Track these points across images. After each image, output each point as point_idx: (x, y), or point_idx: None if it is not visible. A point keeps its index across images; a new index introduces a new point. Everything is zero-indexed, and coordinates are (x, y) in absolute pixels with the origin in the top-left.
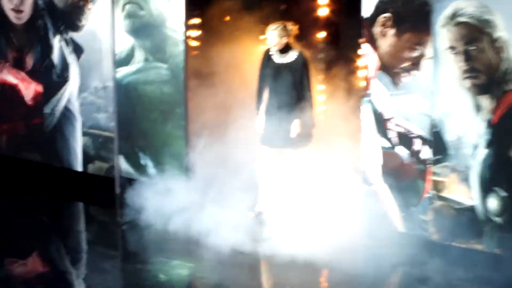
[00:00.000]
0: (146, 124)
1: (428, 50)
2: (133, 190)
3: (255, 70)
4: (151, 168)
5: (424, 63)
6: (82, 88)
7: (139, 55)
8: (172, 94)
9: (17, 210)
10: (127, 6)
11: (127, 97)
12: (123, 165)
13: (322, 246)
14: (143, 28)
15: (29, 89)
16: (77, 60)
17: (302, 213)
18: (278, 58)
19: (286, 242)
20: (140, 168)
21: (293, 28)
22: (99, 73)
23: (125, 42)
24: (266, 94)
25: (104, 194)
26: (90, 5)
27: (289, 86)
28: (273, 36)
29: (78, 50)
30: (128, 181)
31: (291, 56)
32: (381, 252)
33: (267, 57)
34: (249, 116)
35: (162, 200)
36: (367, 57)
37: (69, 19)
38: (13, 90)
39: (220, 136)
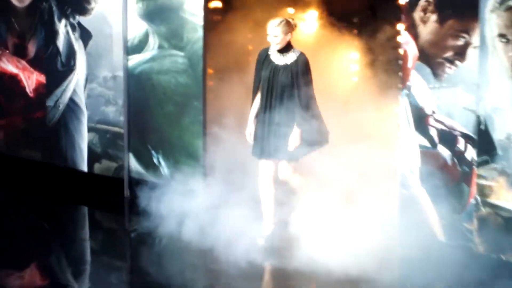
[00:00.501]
0: (160, 119)
1: (475, 38)
2: (144, 192)
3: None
4: (164, 168)
5: (469, 52)
6: (89, 78)
7: (153, 42)
8: (189, 85)
9: (15, 214)
10: None
11: (139, 88)
12: (134, 164)
13: (356, 257)
14: (158, 11)
15: (30, 80)
16: (84, 47)
17: (332, 222)
18: (277, 58)
19: (318, 253)
20: (153, 168)
21: (295, 23)
22: (108, 61)
23: (137, 27)
24: (261, 99)
25: (112, 197)
26: None
27: (288, 90)
28: (277, 32)
29: (85, 36)
30: (139, 183)
31: (291, 56)
32: (419, 264)
33: (264, 57)
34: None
35: (176, 204)
36: (405, 46)
37: (76, 1)
38: (12, 80)
39: (242, 132)
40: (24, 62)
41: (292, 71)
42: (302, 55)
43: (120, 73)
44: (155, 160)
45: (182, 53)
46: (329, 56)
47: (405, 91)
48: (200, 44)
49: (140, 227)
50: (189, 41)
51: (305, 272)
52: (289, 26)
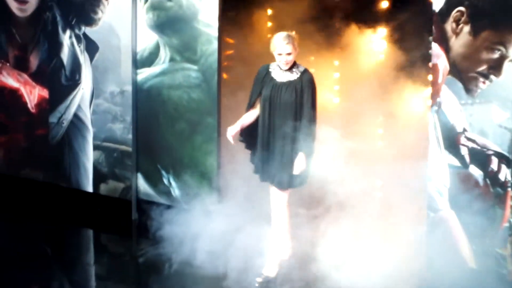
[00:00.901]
0: (171, 137)
1: (511, 51)
2: (154, 215)
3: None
4: (175, 190)
5: (505, 66)
6: (95, 93)
7: (165, 55)
8: (202, 100)
9: (15, 238)
10: None
11: (149, 104)
12: (142, 185)
13: (382, 283)
14: (170, 22)
15: (32, 95)
16: (90, 60)
17: (357, 246)
18: (279, 75)
19: (343, 279)
20: (163, 189)
21: (294, 36)
22: (116, 75)
23: (147, 39)
24: (261, 119)
25: (119, 220)
26: None
27: (291, 110)
28: (290, 50)
29: (92, 48)
30: (148, 205)
31: (295, 72)
32: None
33: (264, 74)
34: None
35: (188, 228)
36: (436, 59)
37: (82, 11)
38: (13, 95)
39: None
40: (25, 76)
41: (296, 89)
42: (306, 71)
43: (129, 88)
44: (165, 181)
45: (195, 67)
46: (355, 67)
47: (435, 107)
48: (214, 57)
49: (148, 252)
50: (203, 53)
51: None
52: (295, 40)
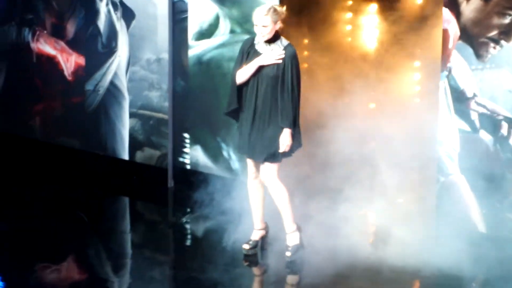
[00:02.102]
0: None
1: None
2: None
3: (358, 51)
4: (235, 162)
5: None
6: (131, 61)
7: (225, 26)
8: None
9: (51, 205)
10: None
11: (209, 76)
12: (201, 158)
13: (392, 249)
14: None
15: (69, 62)
16: (126, 28)
17: (367, 209)
18: (263, 49)
19: (352, 244)
20: (222, 162)
21: (283, 11)
22: (152, 43)
23: (207, 10)
24: (246, 93)
25: (154, 188)
26: None
27: (274, 84)
28: (266, 22)
29: (128, 15)
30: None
31: (279, 47)
32: (458, 256)
33: (248, 46)
34: (351, 103)
35: (231, 199)
36: (447, 25)
37: None
38: (50, 62)
39: (316, 127)
40: (62, 43)
41: (278, 64)
42: (289, 46)
43: (165, 56)
44: (225, 154)
45: None
46: (363, 35)
47: (446, 72)
48: None
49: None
50: None
51: (335, 263)
52: (278, 14)
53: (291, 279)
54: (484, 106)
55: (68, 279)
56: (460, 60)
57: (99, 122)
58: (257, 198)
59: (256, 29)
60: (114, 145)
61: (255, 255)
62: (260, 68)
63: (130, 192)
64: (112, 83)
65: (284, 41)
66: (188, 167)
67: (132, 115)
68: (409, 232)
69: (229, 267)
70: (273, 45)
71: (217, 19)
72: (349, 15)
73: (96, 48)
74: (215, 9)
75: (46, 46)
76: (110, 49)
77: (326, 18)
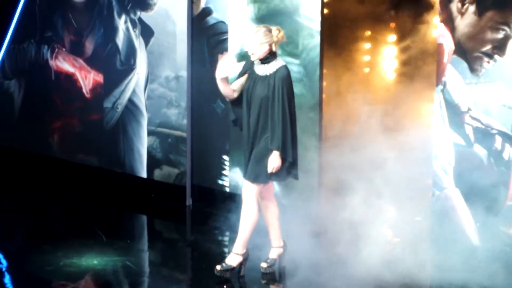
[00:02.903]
0: None
1: None
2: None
3: (405, 71)
4: (275, 185)
5: (509, 46)
6: (150, 79)
7: None
8: (304, 95)
9: (69, 222)
10: None
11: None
12: (241, 180)
13: (386, 260)
14: (272, 15)
15: (87, 79)
16: (145, 45)
17: (364, 221)
18: (259, 68)
19: (346, 256)
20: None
21: (278, 34)
22: (171, 61)
23: (248, 31)
24: (243, 112)
25: (173, 206)
26: None
27: (265, 105)
28: (252, 41)
29: (147, 33)
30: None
31: (273, 67)
32: (452, 268)
33: (249, 66)
34: (397, 127)
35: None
36: (442, 39)
37: None
38: (69, 80)
39: (362, 147)
40: (81, 61)
41: (269, 84)
42: (283, 67)
43: (184, 73)
44: None
45: (297, 61)
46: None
47: (440, 86)
48: (316, 51)
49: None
50: (305, 47)
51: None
52: (268, 37)
53: None
54: (478, 120)
55: None
56: (455, 74)
57: (117, 139)
58: (255, 221)
59: (245, 47)
60: (132, 162)
61: (273, 273)
62: (252, 88)
63: (148, 210)
64: (130, 101)
65: (278, 62)
66: (228, 189)
67: (150, 132)
68: (405, 245)
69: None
70: (267, 66)
71: None
72: None
73: (114, 65)
74: None
75: (64, 64)
76: (129, 66)
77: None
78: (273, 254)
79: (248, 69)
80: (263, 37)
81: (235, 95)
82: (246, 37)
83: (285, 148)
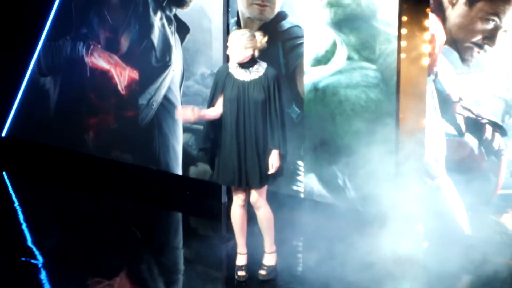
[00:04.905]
0: (347, 137)
1: (505, 22)
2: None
3: None
4: (351, 191)
5: (499, 36)
6: (186, 75)
7: (342, 53)
8: (381, 100)
9: (105, 219)
10: None
11: (325, 102)
12: (316, 186)
13: (378, 250)
14: (348, 20)
15: (122, 76)
16: (181, 42)
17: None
18: (241, 75)
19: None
20: (337, 191)
21: (262, 39)
22: (207, 57)
23: (324, 36)
24: (229, 122)
25: (208, 203)
26: None
27: (262, 107)
28: (237, 45)
29: (182, 30)
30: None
31: (258, 70)
32: (444, 256)
33: (225, 75)
34: None
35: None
36: (433, 30)
37: None
38: (104, 76)
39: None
40: (116, 58)
41: (263, 86)
42: (270, 68)
43: None
44: (340, 182)
45: (373, 66)
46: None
47: (432, 76)
48: (394, 57)
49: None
50: (382, 53)
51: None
52: (253, 42)
53: None
54: (469, 110)
55: None
56: (447, 64)
57: (152, 136)
58: (243, 224)
59: (227, 51)
60: (167, 160)
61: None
62: (243, 94)
63: (184, 207)
64: (165, 98)
65: (263, 64)
66: (302, 195)
67: (186, 129)
68: (396, 232)
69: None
70: (251, 69)
71: (334, 45)
72: None
73: (150, 62)
74: (332, 35)
75: (100, 60)
76: (164, 63)
77: None
78: (270, 260)
79: (224, 81)
80: (248, 41)
81: (221, 111)
82: (230, 41)
83: (285, 146)
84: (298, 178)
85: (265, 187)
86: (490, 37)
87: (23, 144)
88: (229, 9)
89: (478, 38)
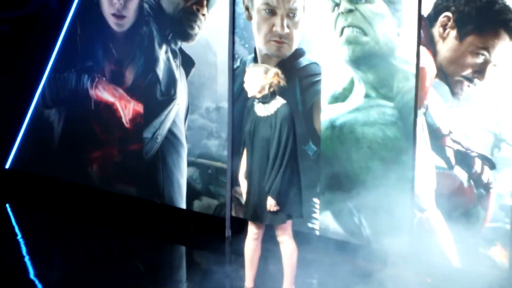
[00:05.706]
0: (364, 175)
1: (495, 56)
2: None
3: None
4: (366, 229)
5: (488, 70)
6: (190, 109)
7: (359, 90)
8: (398, 138)
9: (107, 252)
10: (347, 30)
11: (341, 140)
12: (331, 224)
13: (368, 281)
14: (366, 57)
15: (127, 109)
16: (186, 76)
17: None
18: (259, 109)
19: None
20: (352, 229)
21: (274, 76)
22: (212, 92)
23: (343, 73)
24: (246, 155)
25: (212, 237)
26: (204, 11)
27: (266, 146)
28: (251, 80)
29: (188, 63)
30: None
31: (273, 106)
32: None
33: (250, 108)
34: None
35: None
36: (423, 63)
37: (178, 26)
38: (108, 109)
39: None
40: (121, 90)
41: (271, 124)
42: (284, 106)
43: (225, 104)
44: (355, 220)
45: (391, 104)
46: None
47: (423, 109)
48: (411, 94)
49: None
50: (400, 90)
51: None
52: (263, 77)
53: None
54: (459, 143)
55: None
56: (437, 98)
57: (156, 170)
58: (255, 258)
59: (244, 84)
60: (171, 193)
61: None
62: (254, 131)
63: (187, 241)
64: (170, 131)
65: (278, 101)
66: (317, 233)
67: (190, 163)
68: (386, 263)
69: None
70: (267, 105)
71: (351, 83)
72: None
73: (154, 95)
74: (350, 73)
75: (104, 93)
76: (169, 96)
77: None
78: None
79: (249, 111)
80: (259, 76)
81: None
82: (246, 75)
83: (277, 187)
84: (314, 215)
85: (289, 223)
86: (479, 71)
87: (27, 177)
88: (234, 44)
89: (468, 72)
